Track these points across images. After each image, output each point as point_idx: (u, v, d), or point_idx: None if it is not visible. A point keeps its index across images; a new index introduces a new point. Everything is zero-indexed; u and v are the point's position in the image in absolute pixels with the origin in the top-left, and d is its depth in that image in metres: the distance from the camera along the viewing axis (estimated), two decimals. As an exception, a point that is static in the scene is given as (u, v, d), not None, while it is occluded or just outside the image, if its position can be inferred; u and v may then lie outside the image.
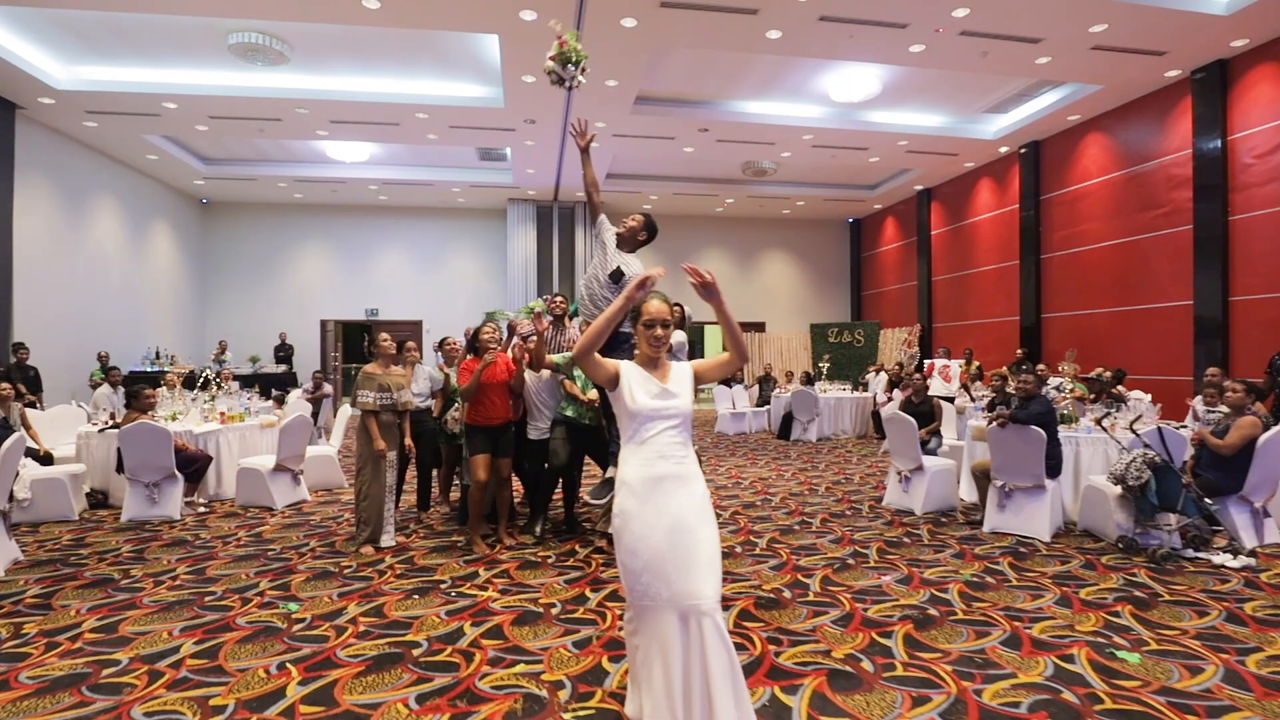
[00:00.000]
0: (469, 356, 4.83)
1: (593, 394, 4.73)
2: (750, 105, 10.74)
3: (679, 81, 9.90)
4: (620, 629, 3.15)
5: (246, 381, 12.20)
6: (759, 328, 17.62)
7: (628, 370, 2.21)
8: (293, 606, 3.50)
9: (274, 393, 10.04)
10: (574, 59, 4.61)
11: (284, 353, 14.79)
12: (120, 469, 5.45)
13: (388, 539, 4.63)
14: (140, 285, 12.97)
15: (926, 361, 12.46)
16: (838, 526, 5.22)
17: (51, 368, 9.95)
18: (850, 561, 4.31)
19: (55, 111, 9.77)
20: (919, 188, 14.92)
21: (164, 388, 8.76)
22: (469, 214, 16.51)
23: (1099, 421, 5.10)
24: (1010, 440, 4.93)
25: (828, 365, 12.88)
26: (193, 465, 5.64)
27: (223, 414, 6.47)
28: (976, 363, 12.14)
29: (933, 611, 3.41)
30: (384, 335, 4.73)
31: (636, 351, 2.30)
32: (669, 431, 2.12)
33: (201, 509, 5.79)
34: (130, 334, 12.52)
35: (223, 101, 9.64)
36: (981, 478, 5.25)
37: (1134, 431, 4.70)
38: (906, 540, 4.82)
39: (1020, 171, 12.09)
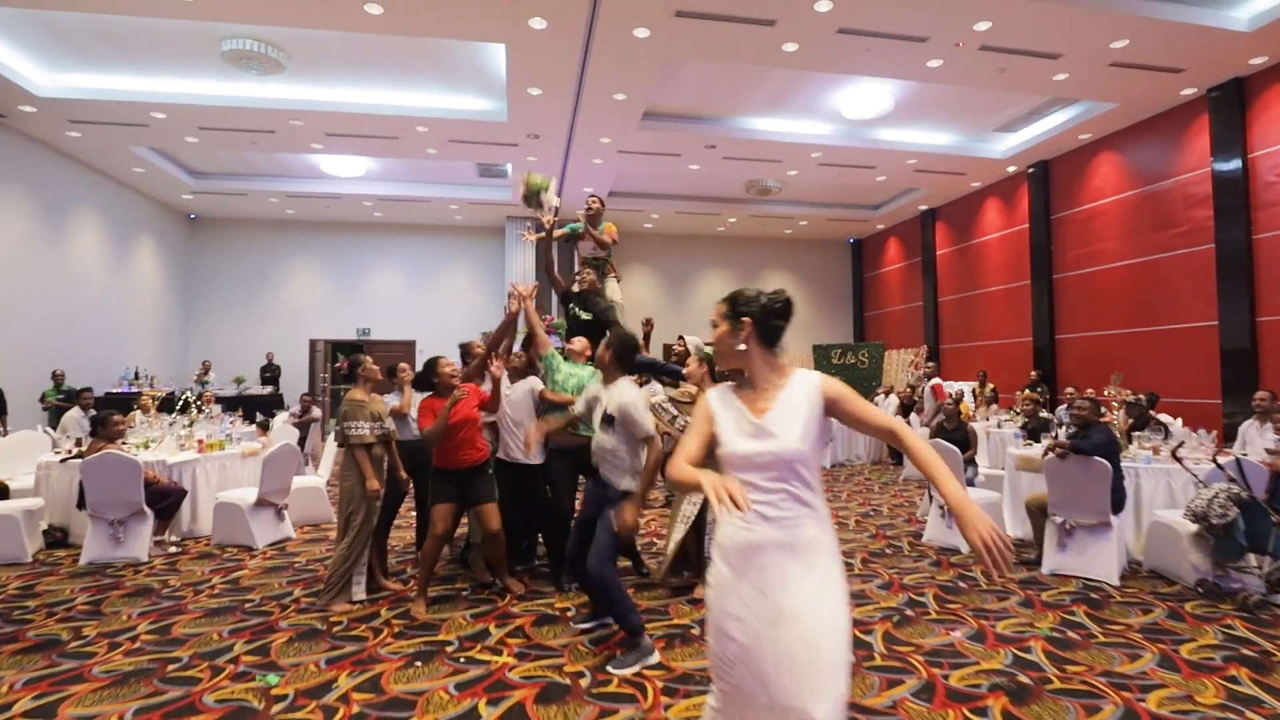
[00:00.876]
0: (427, 395, 3.97)
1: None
2: (759, 122, 10.43)
3: (687, 97, 9.58)
4: (665, 709, 2.66)
5: (230, 404, 11.63)
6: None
7: (718, 402, 1.72)
8: (272, 679, 2.97)
9: (258, 417, 9.49)
10: (539, 188, 5.18)
11: (271, 374, 14.22)
12: (81, 504, 4.91)
13: (359, 590, 4.01)
14: (122, 303, 12.42)
15: (932, 381, 12.07)
16: (882, 568, 4.75)
17: (24, 389, 9.38)
18: (909, 612, 3.84)
19: (37, 120, 9.30)
20: (924, 207, 14.67)
21: (138, 411, 8.25)
22: (466, 231, 16.10)
23: (1174, 452, 4.67)
24: (1071, 473, 4.50)
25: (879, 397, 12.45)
26: (164, 500, 5.11)
27: (200, 442, 5.95)
28: (991, 385, 11.80)
29: (1024, 679, 2.95)
30: (367, 358, 4.19)
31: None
32: (769, 483, 1.60)
33: (173, 549, 5.25)
34: (109, 353, 11.95)
35: (214, 112, 9.21)
36: (1037, 513, 4.81)
37: (1216, 463, 4.29)
38: (963, 585, 4.36)
39: (1029, 191, 11.83)
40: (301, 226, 15.41)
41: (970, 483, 5.77)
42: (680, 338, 4.90)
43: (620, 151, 10.94)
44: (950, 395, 7.32)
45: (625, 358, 3.36)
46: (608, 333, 3.48)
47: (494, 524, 3.91)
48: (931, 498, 6.27)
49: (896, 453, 10.41)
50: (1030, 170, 11.72)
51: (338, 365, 4.26)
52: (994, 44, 7.56)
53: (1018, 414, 8.89)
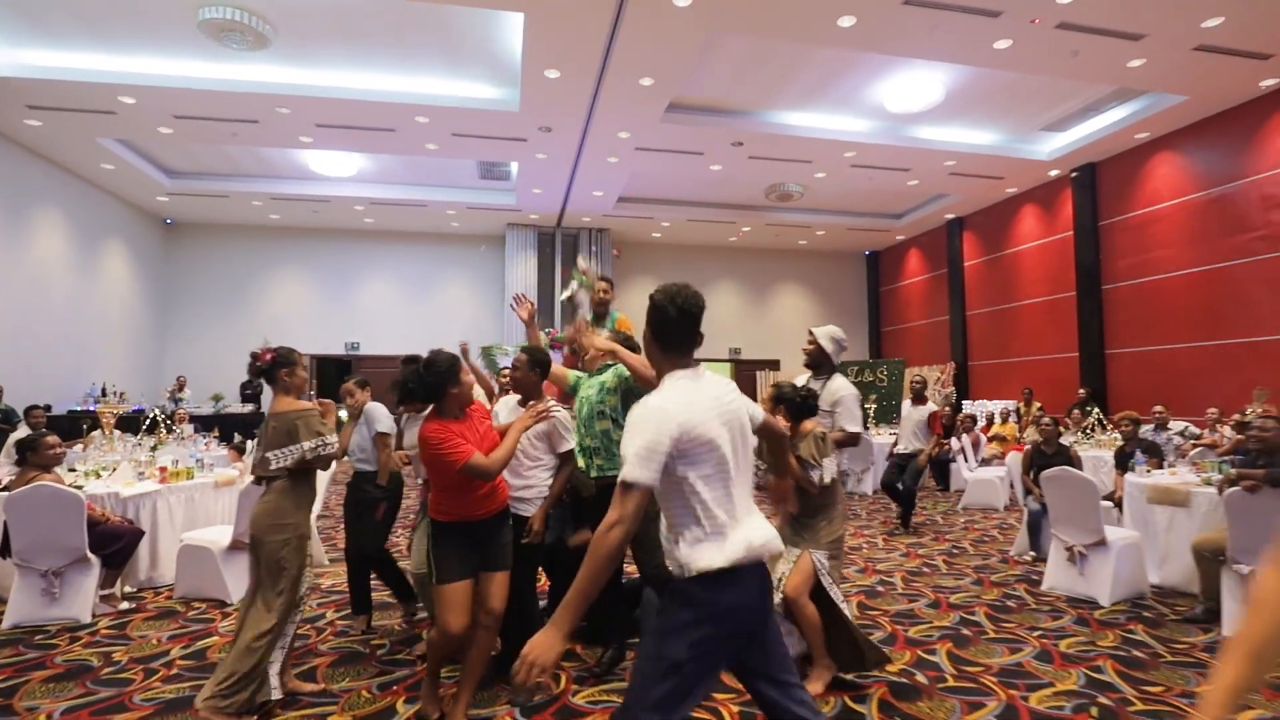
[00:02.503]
0: (426, 415, 2.73)
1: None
2: (791, 116, 9.61)
3: (717, 87, 8.75)
4: None
5: (207, 423, 10.55)
6: (773, 365, 16.33)
7: None
8: None
9: (236, 437, 8.41)
10: (582, 283, 4.64)
11: (252, 390, 13.10)
12: (6, 551, 3.85)
13: (276, 689, 2.80)
14: (89, 312, 11.31)
15: (929, 409, 11.15)
16: (1018, 628, 3.80)
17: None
18: (1103, 699, 2.88)
19: (-11, 106, 8.30)
20: (950, 216, 13.92)
21: (99, 431, 7.19)
22: (463, 240, 15.14)
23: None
24: (1260, 510, 3.59)
25: (874, 407, 11.57)
26: (115, 544, 4.07)
27: (164, 469, 4.90)
28: (1038, 403, 10.97)
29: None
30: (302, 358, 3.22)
31: None
32: None
33: (124, 606, 4.19)
34: (73, 367, 10.82)
35: (190, 97, 8.23)
36: (1209, 560, 3.89)
37: None
38: (1140, 655, 3.41)
39: (1074, 195, 11.10)
40: (286, 233, 14.39)
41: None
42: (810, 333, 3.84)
43: (638, 149, 10.08)
44: (1045, 417, 6.40)
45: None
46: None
47: (497, 602, 2.71)
48: (1035, 533, 5.35)
49: (940, 474, 9.47)
50: (1074, 174, 10.99)
51: (258, 355, 3.04)
52: (1073, 21, 6.78)
53: (1099, 434, 8.04)
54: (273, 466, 2.83)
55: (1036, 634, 3.72)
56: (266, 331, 13.99)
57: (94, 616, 3.92)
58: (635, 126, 9.25)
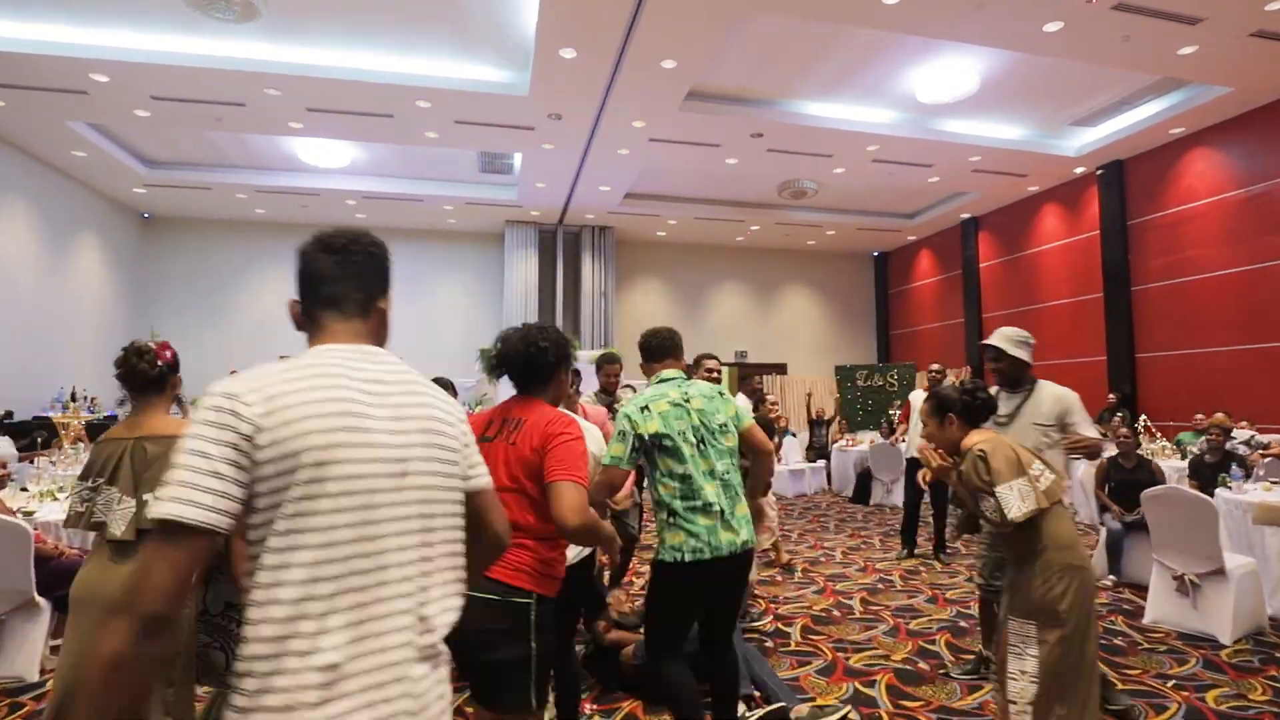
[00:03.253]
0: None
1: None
2: (815, 107, 9.10)
3: (739, 74, 8.21)
4: None
5: (185, 431, 9.84)
6: (780, 369, 15.84)
7: None
8: None
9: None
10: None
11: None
12: (-63, 594, 3.19)
13: None
14: (58, 311, 10.55)
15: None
16: (1145, 675, 3.26)
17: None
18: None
19: (-54, 84, 7.58)
20: (965, 216, 13.48)
21: (63, 444, 6.49)
22: (460, 238, 14.49)
23: None
24: None
25: (895, 412, 11.04)
26: (69, 584, 3.40)
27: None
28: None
29: None
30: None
31: None
32: None
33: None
34: (40, 370, 10.05)
35: (170, 75, 7.55)
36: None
37: None
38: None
39: (1100, 194, 10.67)
40: (273, 229, 13.66)
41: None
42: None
43: (652, 140, 9.51)
44: (1121, 422, 5.87)
45: None
46: None
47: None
48: (1116, 556, 4.82)
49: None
50: (1100, 172, 10.57)
51: (146, 351, 2.29)
52: (1132, 1, 6.31)
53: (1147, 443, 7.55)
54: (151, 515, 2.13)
55: (1170, 684, 3.18)
56: (251, 334, 13.25)
57: (42, 674, 3.26)
58: (651, 115, 8.68)
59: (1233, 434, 6.33)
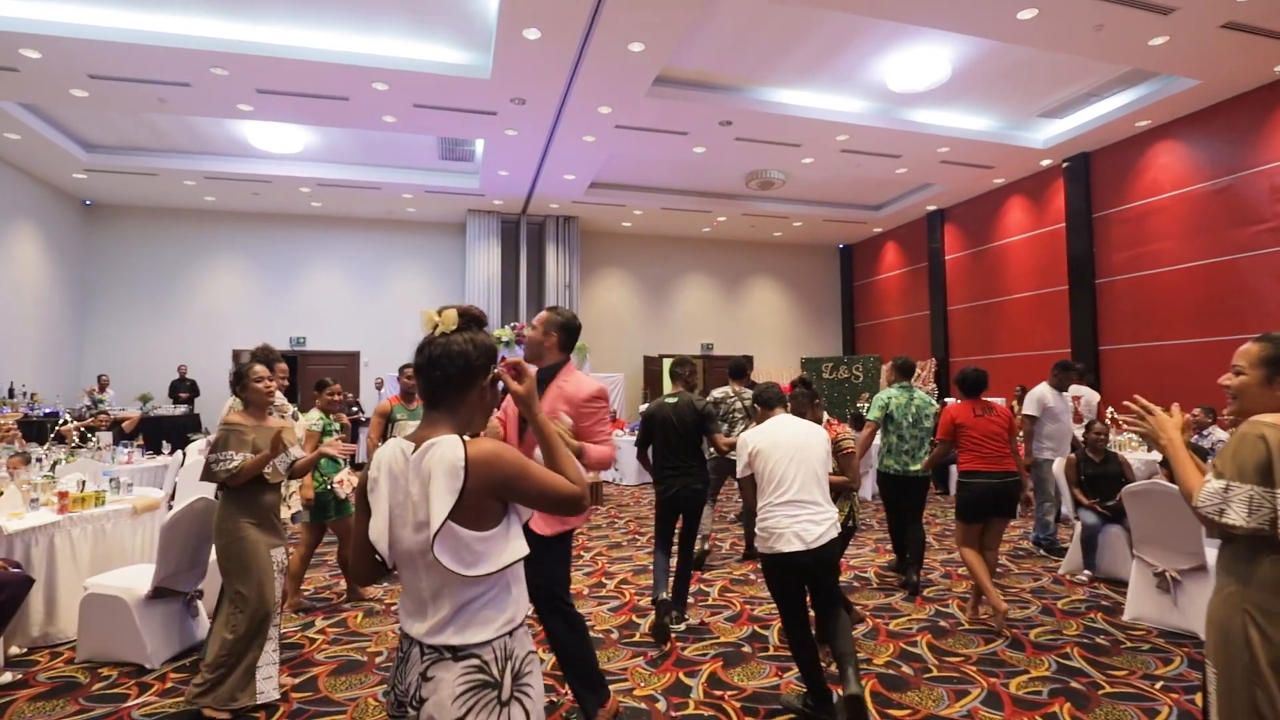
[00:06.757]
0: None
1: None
2: (785, 94, 8.95)
3: (708, 60, 8.02)
4: None
5: (129, 431, 9.37)
6: (747, 361, 15.74)
7: None
8: None
9: (164, 447, 7.32)
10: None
11: (184, 390, 11.85)
12: None
13: (269, 690, 2.90)
14: (-11, 304, 9.95)
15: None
16: (1131, 677, 3.18)
17: None
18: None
19: None
20: (931, 208, 13.53)
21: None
22: (420, 228, 14.07)
23: None
24: None
25: (865, 405, 11.01)
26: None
27: (64, 495, 3.90)
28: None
29: None
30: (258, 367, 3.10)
31: None
32: None
33: (5, 679, 3.22)
34: (-30, 367, 9.47)
35: (108, 52, 7.06)
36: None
37: None
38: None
39: (1066, 187, 10.76)
40: (223, 217, 13.10)
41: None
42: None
43: (619, 126, 9.27)
44: (1097, 420, 5.86)
45: None
46: None
47: None
48: (1091, 550, 4.78)
49: (938, 478, 8.99)
50: (1066, 164, 10.66)
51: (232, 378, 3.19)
52: (1106, -13, 6.28)
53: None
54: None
55: (1159, 685, 3.11)
56: (200, 326, 12.70)
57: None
58: (618, 100, 8.45)
59: (1205, 431, 6.39)
